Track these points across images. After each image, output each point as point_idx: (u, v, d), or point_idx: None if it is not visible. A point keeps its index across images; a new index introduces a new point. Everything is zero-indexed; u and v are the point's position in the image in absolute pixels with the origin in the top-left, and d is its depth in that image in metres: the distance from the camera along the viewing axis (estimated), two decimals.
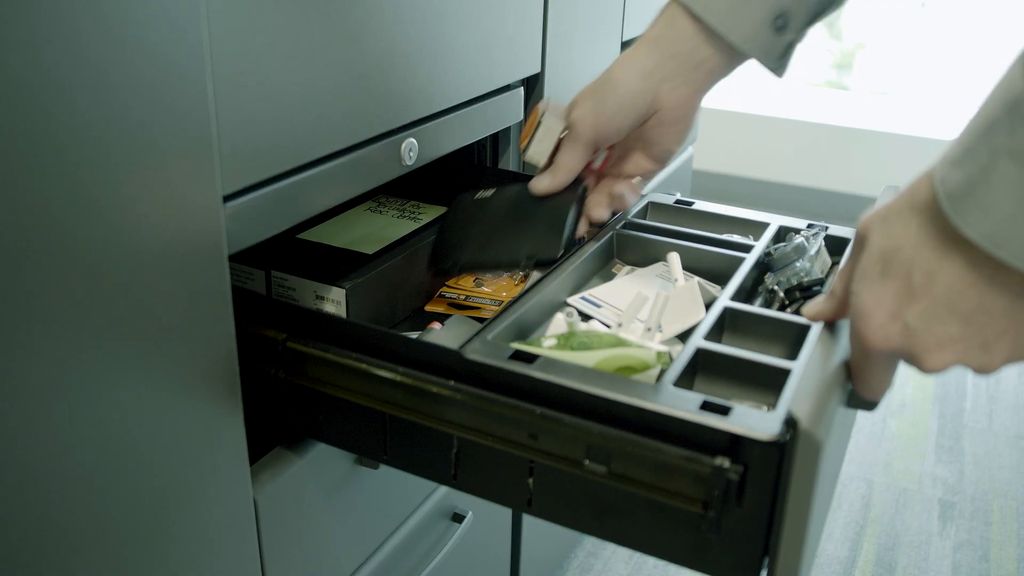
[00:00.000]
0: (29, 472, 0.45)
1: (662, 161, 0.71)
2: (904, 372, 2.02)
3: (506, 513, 1.08)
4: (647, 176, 0.74)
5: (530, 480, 0.56)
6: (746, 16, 0.64)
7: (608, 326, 0.62)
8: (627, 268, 0.72)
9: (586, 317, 0.64)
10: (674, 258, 0.67)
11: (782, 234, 0.73)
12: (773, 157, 2.91)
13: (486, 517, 1.00)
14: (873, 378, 0.51)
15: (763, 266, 0.69)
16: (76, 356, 0.46)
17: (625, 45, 1.27)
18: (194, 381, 0.55)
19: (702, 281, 0.68)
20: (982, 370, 0.45)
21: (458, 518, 0.91)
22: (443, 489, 0.88)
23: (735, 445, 0.50)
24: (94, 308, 0.47)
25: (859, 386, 0.52)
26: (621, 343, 0.56)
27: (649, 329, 0.58)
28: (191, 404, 0.55)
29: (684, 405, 0.51)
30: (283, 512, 0.66)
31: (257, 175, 0.59)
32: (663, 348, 0.56)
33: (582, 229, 0.73)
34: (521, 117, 0.97)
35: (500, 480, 0.57)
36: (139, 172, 0.48)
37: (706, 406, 0.51)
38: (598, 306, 0.65)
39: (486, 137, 0.98)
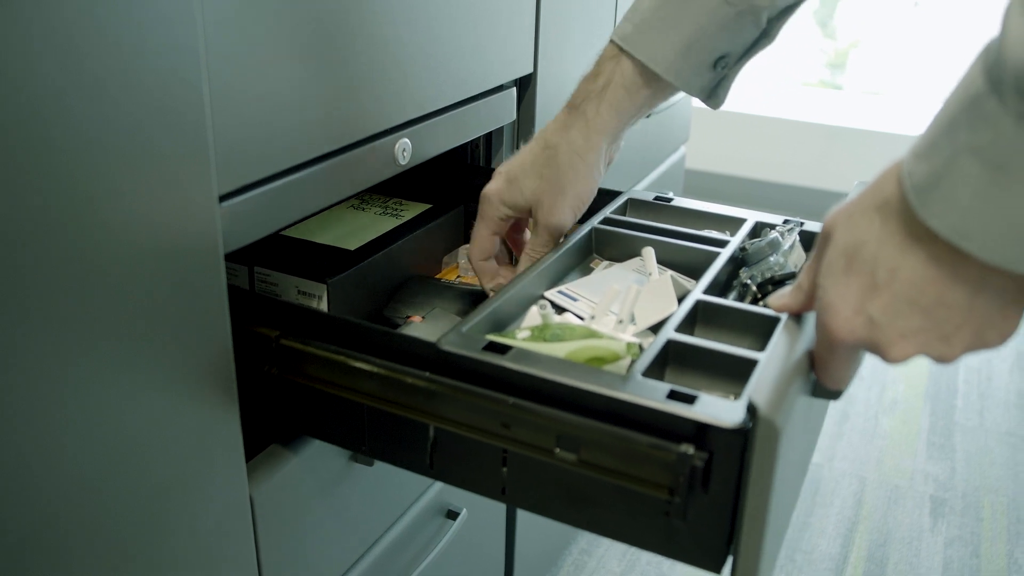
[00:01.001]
0: (26, 470, 0.46)
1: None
2: (896, 370, 2.03)
3: (500, 510, 1.08)
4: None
5: (504, 469, 0.57)
6: (690, 62, 0.67)
7: (581, 318, 0.63)
8: (605, 263, 0.74)
9: (561, 310, 0.66)
10: (649, 253, 0.69)
11: (758, 230, 0.74)
12: (767, 156, 2.92)
13: (480, 514, 1.00)
14: (837, 368, 0.52)
15: (738, 261, 0.70)
16: (73, 355, 0.47)
17: None
18: (191, 379, 0.55)
19: (676, 275, 0.69)
20: (942, 359, 0.47)
21: (452, 515, 0.92)
22: (438, 486, 0.89)
23: (701, 433, 0.51)
24: (91, 307, 0.47)
25: (823, 376, 0.53)
26: (593, 335, 0.58)
27: (621, 321, 0.60)
28: (188, 402, 0.56)
29: (651, 394, 0.52)
30: (279, 509, 0.66)
31: (252, 175, 0.60)
32: (634, 339, 0.58)
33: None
34: (514, 117, 0.97)
35: (475, 469, 0.58)
36: (136, 172, 0.49)
37: (673, 395, 0.52)
38: (575, 299, 0.66)
39: (479, 137, 0.98)
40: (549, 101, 1.04)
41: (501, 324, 0.63)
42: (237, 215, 0.59)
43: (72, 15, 0.43)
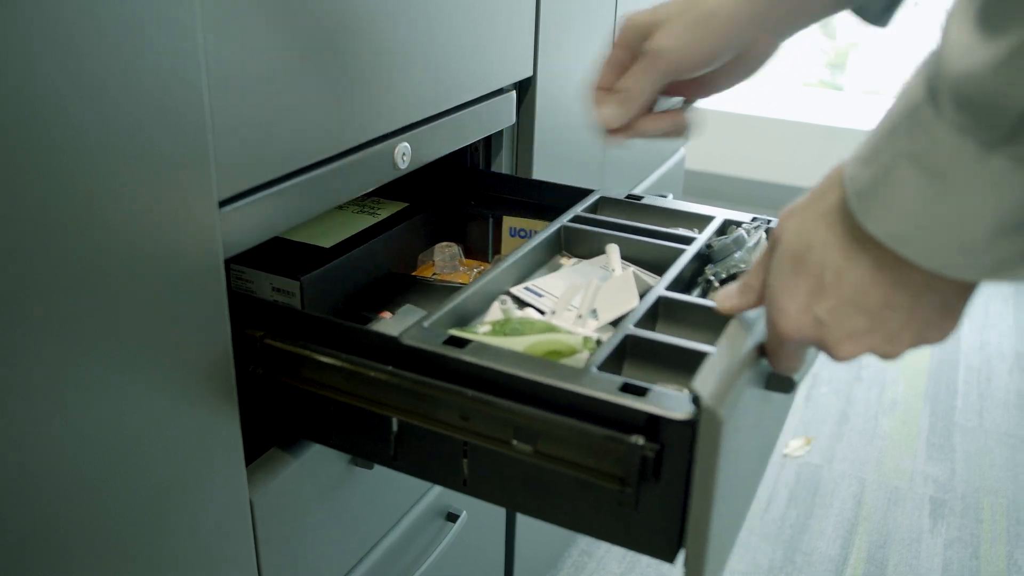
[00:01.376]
0: (28, 473, 0.46)
1: (714, 93, 0.64)
2: (896, 371, 2.03)
3: (500, 512, 1.08)
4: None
5: (465, 461, 0.59)
6: None
7: (543, 313, 0.64)
8: (573, 260, 0.74)
9: (523, 305, 0.67)
10: (612, 249, 0.69)
11: (726, 227, 0.75)
12: (767, 157, 2.91)
13: (480, 516, 1.00)
14: (788, 360, 0.53)
15: (704, 257, 0.71)
16: (74, 356, 0.47)
17: None
18: (191, 383, 0.56)
19: (640, 271, 0.70)
20: (887, 357, 0.48)
21: (452, 517, 0.92)
22: (437, 489, 0.89)
23: (653, 425, 0.52)
24: (93, 310, 0.48)
25: (775, 365, 0.54)
26: (551, 329, 0.59)
27: (580, 316, 0.60)
28: (188, 406, 0.56)
29: (605, 387, 0.53)
30: (279, 513, 0.66)
31: (253, 180, 0.60)
32: (591, 334, 0.59)
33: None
34: (514, 120, 0.97)
35: (437, 461, 0.60)
36: (136, 178, 0.49)
37: (626, 388, 0.53)
38: (540, 295, 0.67)
39: (479, 140, 0.98)
40: (549, 104, 1.04)
41: (465, 319, 0.64)
42: (237, 220, 0.59)
43: (72, 17, 0.43)
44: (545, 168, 1.06)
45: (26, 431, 0.45)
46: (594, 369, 0.55)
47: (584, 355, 0.58)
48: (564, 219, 0.76)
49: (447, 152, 0.83)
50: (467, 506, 0.94)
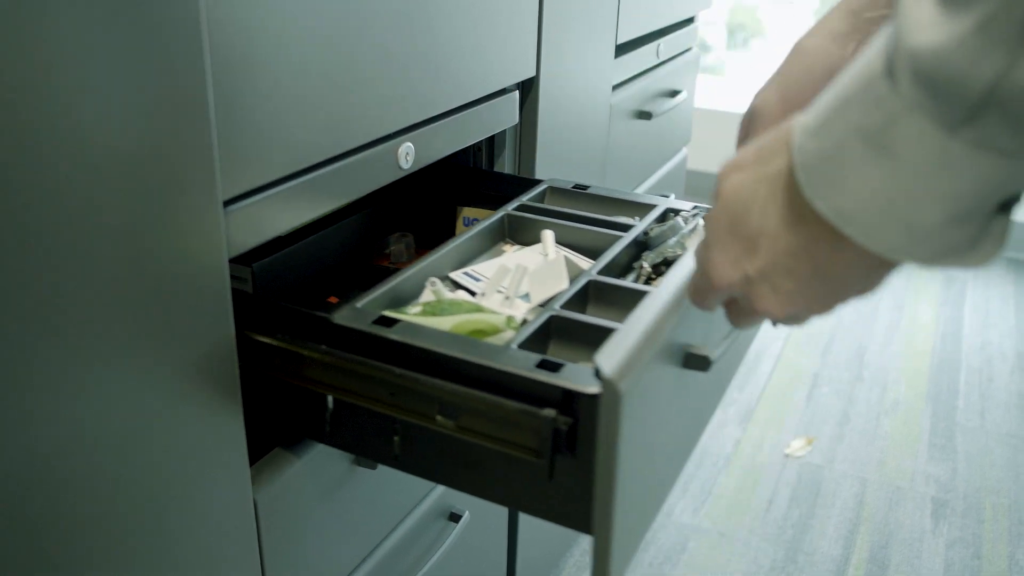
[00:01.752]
0: (32, 472, 0.46)
1: None
2: (897, 371, 2.01)
3: (502, 512, 1.09)
4: None
5: (396, 437, 0.61)
6: None
7: (474, 295, 0.66)
8: (516, 247, 0.76)
9: (458, 288, 0.69)
10: (547, 235, 0.71)
11: (666, 215, 0.77)
12: None
13: (483, 516, 1.01)
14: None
15: (643, 244, 0.73)
16: (78, 358, 0.48)
17: (620, 48, 1.26)
18: (195, 383, 0.56)
19: (575, 256, 0.72)
20: (811, 315, 0.48)
21: (455, 517, 0.92)
22: (440, 489, 0.90)
23: (568, 399, 0.53)
24: (97, 310, 0.48)
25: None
26: (478, 310, 0.61)
27: (507, 298, 0.62)
28: (192, 406, 0.56)
29: (521, 363, 0.55)
30: (283, 512, 0.67)
31: (257, 180, 0.60)
32: (516, 314, 0.61)
33: None
34: (517, 120, 0.97)
35: (369, 436, 0.62)
36: (140, 178, 0.49)
37: (542, 364, 0.55)
38: (478, 280, 0.69)
39: (482, 140, 0.98)
40: (551, 104, 1.04)
41: (400, 301, 0.67)
42: (242, 219, 0.59)
43: (75, 16, 0.44)
44: (547, 168, 1.07)
45: (30, 431, 0.46)
46: (513, 347, 0.57)
47: (508, 334, 0.60)
48: (509, 207, 0.78)
49: (450, 152, 0.83)
50: (470, 506, 0.95)
